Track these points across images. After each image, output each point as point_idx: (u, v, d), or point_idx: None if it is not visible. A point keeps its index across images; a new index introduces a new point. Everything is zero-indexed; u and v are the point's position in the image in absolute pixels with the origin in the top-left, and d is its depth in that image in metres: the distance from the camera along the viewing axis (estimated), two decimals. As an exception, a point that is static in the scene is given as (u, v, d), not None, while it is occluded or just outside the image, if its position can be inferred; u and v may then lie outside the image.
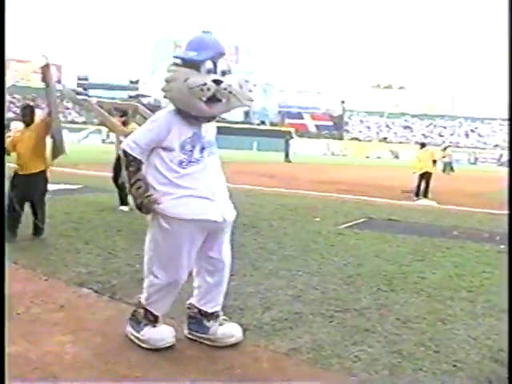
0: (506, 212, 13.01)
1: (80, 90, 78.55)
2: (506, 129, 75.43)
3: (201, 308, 3.94)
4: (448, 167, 33.23)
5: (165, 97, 3.63)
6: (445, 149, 34.54)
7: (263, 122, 77.43)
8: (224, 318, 4.04)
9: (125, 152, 3.62)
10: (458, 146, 70.50)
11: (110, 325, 4.21)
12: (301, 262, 6.51)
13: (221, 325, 3.95)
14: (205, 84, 3.44)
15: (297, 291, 5.24)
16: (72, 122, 67.13)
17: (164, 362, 3.59)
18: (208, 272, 3.87)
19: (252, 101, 3.77)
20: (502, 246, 8.25)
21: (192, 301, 4.01)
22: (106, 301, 4.84)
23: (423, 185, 16.56)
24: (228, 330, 3.94)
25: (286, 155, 41.81)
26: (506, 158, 55.09)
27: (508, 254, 3.28)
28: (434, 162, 17.25)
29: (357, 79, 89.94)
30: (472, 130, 77.36)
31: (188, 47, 3.62)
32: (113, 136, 68.35)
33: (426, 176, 16.57)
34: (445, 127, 78.77)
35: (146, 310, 3.84)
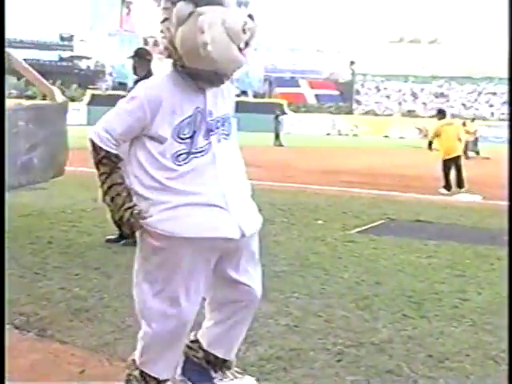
0: None
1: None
2: None
3: (211, 352, 3.73)
4: (472, 148, 33.02)
5: (205, 58, 3.10)
6: (464, 124, 32.97)
7: (244, 93, 77.25)
8: (237, 370, 3.88)
9: (93, 144, 3.28)
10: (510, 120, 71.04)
11: (38, 372, 4.19)
12: (297, 280, 6.53)
13: (231, 379, 3.78)
14: (245, 22, 3.15)
15: (292, 319, 5.25)
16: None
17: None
18: (229, 302, 3.61)
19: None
20: None
21: (200, 338, 3.78)
22: (32, 340, 4.81)
23: (453, 172, 16.63)
24: None
25: (277, 137, 41.94)
26: None
27: (508, 253, 3.32)
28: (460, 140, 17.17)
29: (370, 32, 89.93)
30: (529, 98, 77.98)
31: None
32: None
33: (455, 160, 16.65)
34: (494, 93, 79.23)
35: (141, 372, 3.54)
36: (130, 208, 3.24)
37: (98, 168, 3.30)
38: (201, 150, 3.25)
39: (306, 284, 6.40)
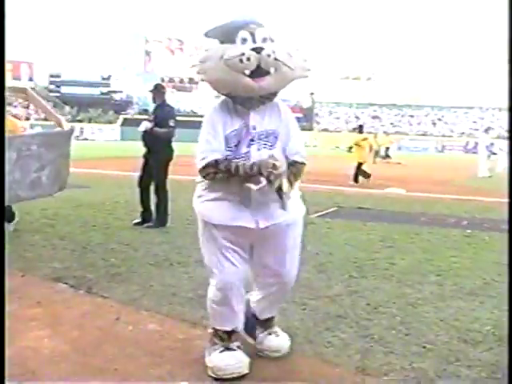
0: (475, 198, 13.26)
1: (53, 87, 77.62)
2: (470, 117, 76.39)
3: (253, 312, 3.65)
4: (385, 154, 31.87)
5: (202, 80, 3.10)
6: (375, 136, 30.75)
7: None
8: (276, 331, 3.69)
9: (201, 169, 3.16)
10: (425, 134, 71.26)
11: (87, 319, 4.22)
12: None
13: (270, 334, 3.64)
14: (243, 54, 2.92)
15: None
16: (45, 119, 66.36)
17: (141, 354, 3.60)
18: (263, 281, 3.51)
19: (309, 70, 3.18)
20: (469, 231, 8.42)
21: (250, 298, 3.66)
22: (82, 295, 4.83)
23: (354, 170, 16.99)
24: (276, 344, 3.62)
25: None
26: (472, 145, 55.71)
27: (508, 251, 3.33)
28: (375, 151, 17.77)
29: (325, 71, 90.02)
30: (439, 119, 78.00)
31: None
32: (87, 132, 66.75)
33: (362, 164, 17.08)
34: (412, 116, 79.38)
35: (213, 328, 3.46)
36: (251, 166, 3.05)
37: (213, 178, 3.16)
38: (242, 156, 3.12)
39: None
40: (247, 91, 3.04)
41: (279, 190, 3.11)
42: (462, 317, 4.43)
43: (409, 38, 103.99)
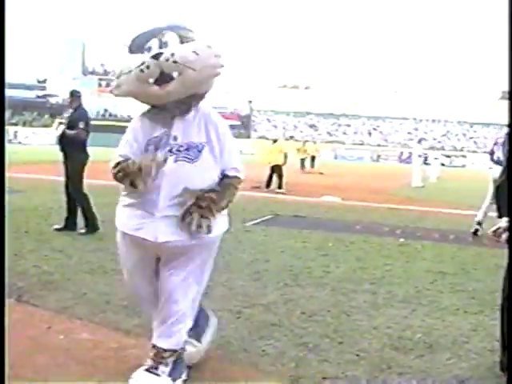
0: (408, 207, 13.53)
1: (-15, 89, 75.59)
2: (405, 128, 78.21)
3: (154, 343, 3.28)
4: (305, 163, 31.47)
5: (118, 95, 3.03)
6: (304, 143, 33.50)
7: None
8: (157, 367, 3.21)
9: (111, 171, 3.08)
10: (361, 144, 72.55)
11: (17, 328, 4.07)
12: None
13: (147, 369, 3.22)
14: (143, 63, 2.84)
15: (205, 288, 5.23)
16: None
17: (72, 363, 3.51)
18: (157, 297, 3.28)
19: (221, 66, 2.96)
20: (402, 240, 8.60)
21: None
22: (13, 304, 4.67)
23: (275, 178, 17.48)
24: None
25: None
26: (406, 155, 56.94)
27: (508, 253, 3.40)
28: (285, 155, 17.98)
29: (263, 79, 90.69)
30: (374, 129, 79.49)
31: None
32: (21, 136, 64.79)
33: (276, 169, 17.44)
34: (349, 125, 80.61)
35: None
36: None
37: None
38: None
39: (215, 262, 6.35)
40: (157, 100, 2.98)
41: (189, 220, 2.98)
42: (395, 324, 4.51)
43: (346, 48, 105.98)
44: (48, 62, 79.16)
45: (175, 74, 2.84)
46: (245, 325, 4.35)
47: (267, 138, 75.24)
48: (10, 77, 74.95)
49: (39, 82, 77.86)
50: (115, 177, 3.07)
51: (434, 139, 73.03)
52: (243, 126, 78.63)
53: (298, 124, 79.61)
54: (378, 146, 72.05)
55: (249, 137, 74.81)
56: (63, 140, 8.04)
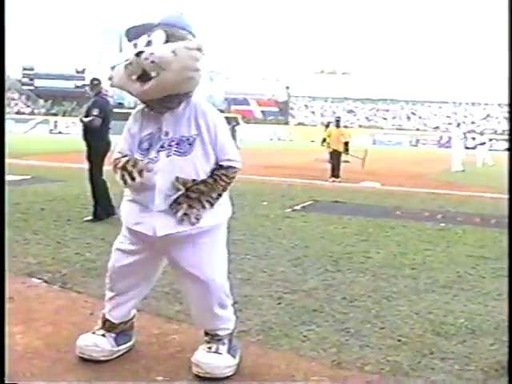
0: (448, 191, 13.38)
1: (26, 80, 76.77)
2: (444, 111, 77.09)
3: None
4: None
5: (111, 86, 3.14)
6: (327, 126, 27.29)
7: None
8: (212, 347, 3.26)
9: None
10: (399, 129, 71.77)
11: (61, 314, 4.16)
12: (249, 245, 6.52)
13: (204, 349, 3.27)
14: (127, 59, 2.92)
15: (245, 274, 5.25)
16: (18, 112, 65.75)
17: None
18: (185, 288, 3.38)
19: (196, 70, 2.97)
20: (442, 225, 8.49)
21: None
22: (57, 290, 4.76)
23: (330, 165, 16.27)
24: (206, 362, 3.19)
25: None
26: (445, 139, 56.11)
27: (508, 251, 3.35)
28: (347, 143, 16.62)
29: (301, 65, 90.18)
30: (413, 113, 78.60)
31: None
32: (61, 126, 65.67)
33: (335, 155, 16.11)
34: (387, 110, 79.87)
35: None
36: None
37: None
38: (150, 160, 3.04)
39: (255, 248, 6.40)
40: (139, 96, 3.05)
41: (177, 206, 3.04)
42: (436, 310, 4.46)
43: (384, 33, 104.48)
44: (86, 51, 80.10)
45: (153, 74, 2.88)
46: (286, 310, 4.35)
47: (305, 124, 75.51)
48: (49, 67, 76.30)
49: (78, 72, 78.80)
50: (117, 174, 3.15)
51: (473, 123, 71.85)
52: (281, 113, 78.53)
53: (336, 110, 79.04)
54: (417, 130, 71.17)
55: (287, 123, 74.68)
56: (84, 128, 8.16)
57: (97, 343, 3.35)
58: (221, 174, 3.11)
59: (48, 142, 30.89)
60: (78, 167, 8.07)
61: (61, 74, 76.20)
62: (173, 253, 3.20)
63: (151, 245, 3.19)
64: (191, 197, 3.03)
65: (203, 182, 3.06)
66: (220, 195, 3.16)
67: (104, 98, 8.46)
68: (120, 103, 71.41)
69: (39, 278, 5.04)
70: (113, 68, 3.05)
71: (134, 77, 2.92)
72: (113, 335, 3.42)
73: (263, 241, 6.84)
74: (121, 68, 2.96)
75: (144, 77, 2.90)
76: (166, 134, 3.07)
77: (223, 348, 3.25)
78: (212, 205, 3.12)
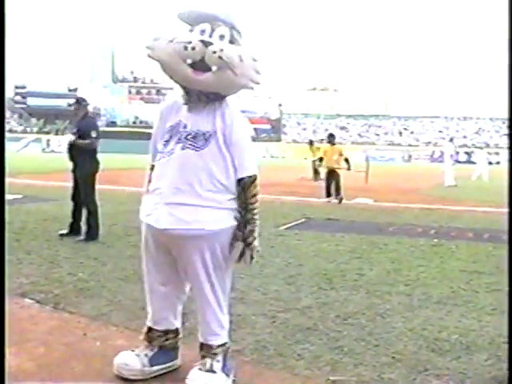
0: (441, 206, 13.42)
1: (18, 98, 76.83)
2: (436, 126, 77.46)
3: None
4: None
5: (149, 56, 3.00)
6: (311, 143, 26.23)
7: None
8: (207, 363, 3.25)
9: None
10: (392, 144, 72.04)
11: (54, 335, 4.15)
12: (242, 264, 6.49)
13: (198, 366, 3.26)
14: (190, 42, 2.87)
15: (239, 293, 5.23)
16: (11, 131, 65.69)
17: (109, 369, 3.54)
18: (193, 292, 3.35)
19: (257, 83, 3.02)
20: (436, 240, 8.52)
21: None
22: (49, 311, 4.75)
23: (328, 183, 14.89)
24: (196, 380, 3.18)
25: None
26: (438, 154, 56.36)
27: (508, 254, 3.36)
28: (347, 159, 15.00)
29: (293, 82, 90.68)
30: (405, 129, 78.98)
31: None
32: (54, 144, 65.57)
33: (334, 174, 14.68)
34: (379, 126, 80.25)
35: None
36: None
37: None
38: (166, 152, 3.07)
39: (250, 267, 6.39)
40: (184, 81, 2.99)
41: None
42: (430, 326, 4.47)
43: (375, 49, 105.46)
44: (79, 70, 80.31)
45: (214, 68, 2.86)
46: (280, 329, 4.35)
47: (298, 142, 75.62)
48: (41, 86, 76.31)
49: (70, 90, 78.90)
50: None
51: (465, 137, 72.23)
52: (273, 130, 78.73)
53: (328, 126, 79.35)
54: (410, 145, 71.46)
55: (279, 140, 74.86)
56: (73, 149, 8.08)
57: (126, 362, 3.35)
58: (248, 199, 3.19)
59: (41, 160, 30.87)
60: (71, 186, 8.11)
61: (53, 92, 76.29)
62: (174, 251, 3.18)
63: (159, 241, 3.18)
64: (249, 242, 3.23)
65: (245, 221, 3.18)
66: (256, 210, 3.25)
67: (94, 118, 8.49)
68: (113, 122, 71.68)
69: (32, 299, 5.02)
70: (157, 39, 2.98)
71: (190, 61, 2.87)
72: (149, 354, 3.38)
73: (256, 259, 6.74)
74: (175, 46, 2.89)
75: (200, 65, 2.87)
76: (185, 126, 3.07)
77: (217, 366, 3.23)
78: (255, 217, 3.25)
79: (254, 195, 3.18)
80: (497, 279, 6.04)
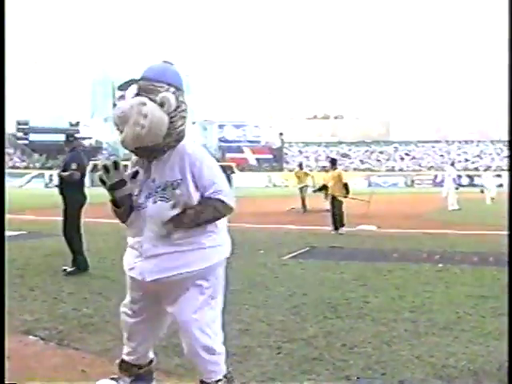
0: (445, 231, 13.37)
1: (20, 134, 77.28)
2: (438, 150, 77.58)
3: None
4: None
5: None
6: (300, 166, 26.48)
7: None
8: None
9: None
10: (394, 170, 72.12)
11: (58, 372, 4.13)
12: (246, 295, 6.50)
13: None
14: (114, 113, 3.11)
15: (244, 325, 5.23)
16: (13, 167, 65.91)
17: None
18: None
19: (142, 126, 2.98)
20: (441, 265, 8.49)
21: None
22: (54, 348, 4.74)
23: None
24: None
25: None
26: (440, 178, 56.36)
27: (508, 260, 3.36)
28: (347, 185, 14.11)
29: (293, 111, 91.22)
30: (407, 154, 79.05)
31: None
32: (56, 179, 66.77)
33: (336, 203, 13.87)
34: (381, 152, 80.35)
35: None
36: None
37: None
38: (139, 205, 3.15)
39: (252, 298, 6.39)
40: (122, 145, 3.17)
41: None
42: (437, 353, 4.44)
43: (374, 76, 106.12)
44: (79, 104, 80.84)
45: (120, 128, 3.07)
46: (285, 360, 4.33)
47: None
48: (43, 121, 76.69)
49: (72, 125, 79.38)
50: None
51: (467, 160, 72.31)
52: (275, 159, 78.95)
53: (330, 154, 79.52)
54: (412, 170, 71.49)
55: (281, 169, 74.99)
56: (62, 183, 8.30)
57: None
58: (208, 204, 3.11)
59: (44, 195, 30.85)
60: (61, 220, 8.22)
61: (55, 127, 76.54)
62: (163, 298, 3.23)
63: (145, 290, 3.25)
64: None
65: (191, 207, 3.10)
66: (207, 222, 3.16)
67: (79, 153, 8.63)
68: (112, 155, 71.90)
69: (36, 336, 5.02)
70: None
71: (116, 128, 3.10)
72: (127, 380, 3.46)
73: (261, 290, 6.83)
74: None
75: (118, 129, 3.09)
76: (154, 180, 3.15)
77: None
78: (198, 225, 3.13)
79: (211, 212, 3.15)
80: (503, 303, 6.00)
